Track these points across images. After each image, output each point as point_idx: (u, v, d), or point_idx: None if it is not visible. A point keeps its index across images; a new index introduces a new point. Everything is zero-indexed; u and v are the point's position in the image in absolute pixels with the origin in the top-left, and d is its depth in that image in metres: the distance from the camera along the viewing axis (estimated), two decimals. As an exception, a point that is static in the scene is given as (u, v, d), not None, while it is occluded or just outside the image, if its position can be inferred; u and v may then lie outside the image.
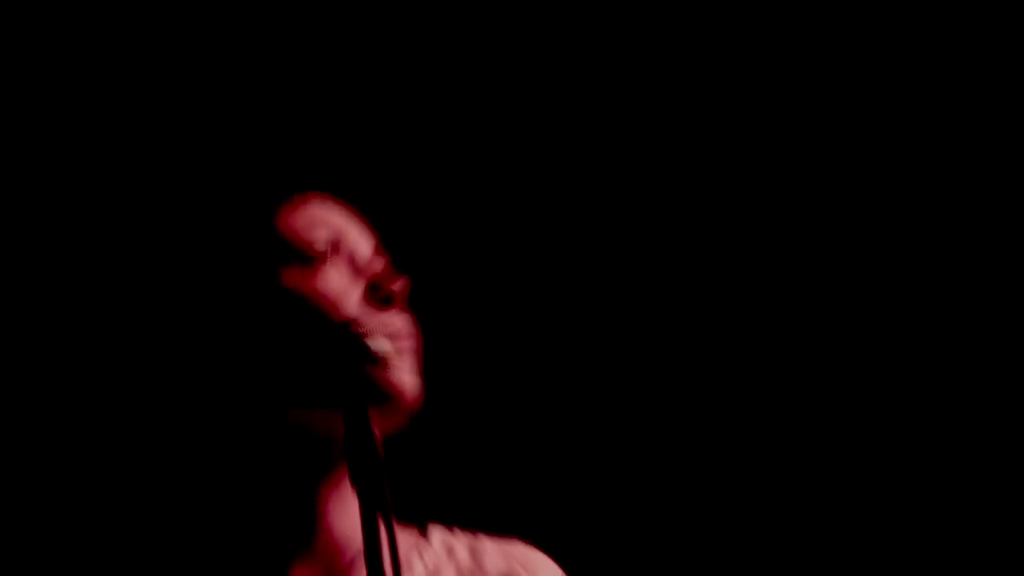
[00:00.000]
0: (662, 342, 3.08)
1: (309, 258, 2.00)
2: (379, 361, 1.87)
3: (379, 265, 2.04)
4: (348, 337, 1.87)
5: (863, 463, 3.05)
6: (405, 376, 1.96)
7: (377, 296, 1.98)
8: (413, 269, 2.04)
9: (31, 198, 2.88)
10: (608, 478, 2.89)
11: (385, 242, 2.08)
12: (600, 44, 3.14)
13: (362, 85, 3.06)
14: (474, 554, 2.11)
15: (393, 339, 1.95)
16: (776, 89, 3.13)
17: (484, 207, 3.12)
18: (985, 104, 3.11)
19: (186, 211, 2.11)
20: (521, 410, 3.02)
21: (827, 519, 3.02)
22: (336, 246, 2.02)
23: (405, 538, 2.04)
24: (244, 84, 2.97)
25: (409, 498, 1.86)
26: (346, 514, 2.03)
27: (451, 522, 2.17)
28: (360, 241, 2.05)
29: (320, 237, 2.01)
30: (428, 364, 2.02)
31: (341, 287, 1.99)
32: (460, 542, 2.13)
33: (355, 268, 2.02)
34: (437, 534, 2.14)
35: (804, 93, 3.13)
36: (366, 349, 1.86)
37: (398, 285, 1.99)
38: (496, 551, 2.12)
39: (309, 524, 2.02)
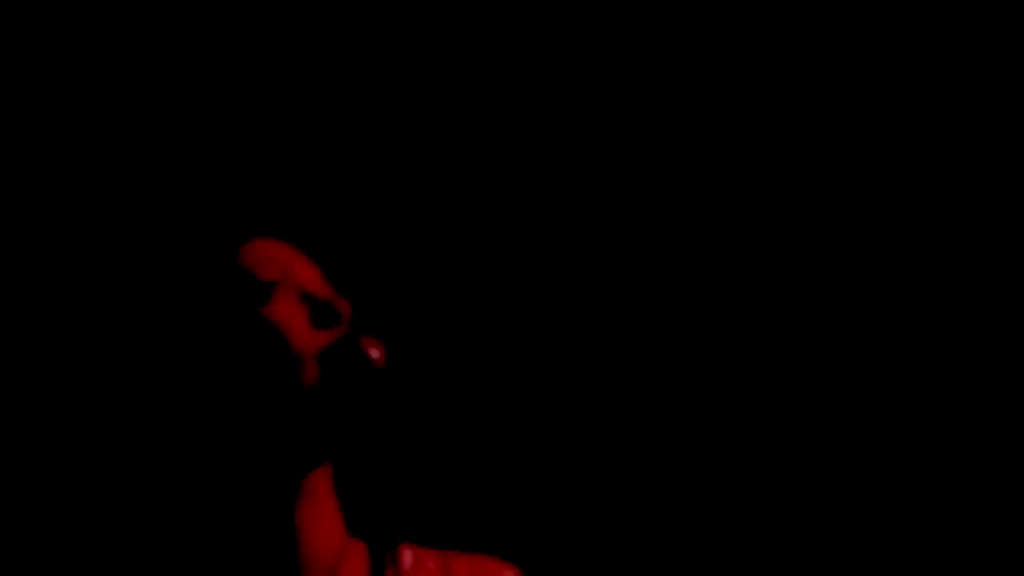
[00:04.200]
0: (634, 358, 3.10)
1: (258, 291, 2.10)
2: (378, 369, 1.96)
3: (324, 293, 2.15)
4: (347, 348, 1.97)
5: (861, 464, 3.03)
6: None
7: (321, 318, 2.10)
8: (366, 296, 2.19)
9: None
10: (579, 495, 2.88)
11: (330, 275, 2.20)
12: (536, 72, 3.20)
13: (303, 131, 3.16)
14: (446, 571, 2.16)
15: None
16: (776, 91, 3.13)
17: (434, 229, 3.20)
18: (985, 105, 3.08)
19: (151, 255, 2.23)
20: (488, 430, 3.05)
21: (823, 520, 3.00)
22: (282, 279, 2.12)
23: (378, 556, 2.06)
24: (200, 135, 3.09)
25: (380, 518, 1.91)
26: (323, 530, 2.07)
27: (422, 541, 2.20)
28: (306, 274, 2.16)
29: (265, 272, 2.12)
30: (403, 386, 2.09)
31: (288, 314, 2.09)
32: (432, 560, 2.18)
33: (303, 298, 2.13)
34: (408, 552, 2.18)
35: (805, 95, 3.12)
36: (366, 358, 1.95)
37: (340, 307, 2.11)
38: (468, 567, 2.18)
39: (286, 540, 2.05)
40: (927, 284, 3.15)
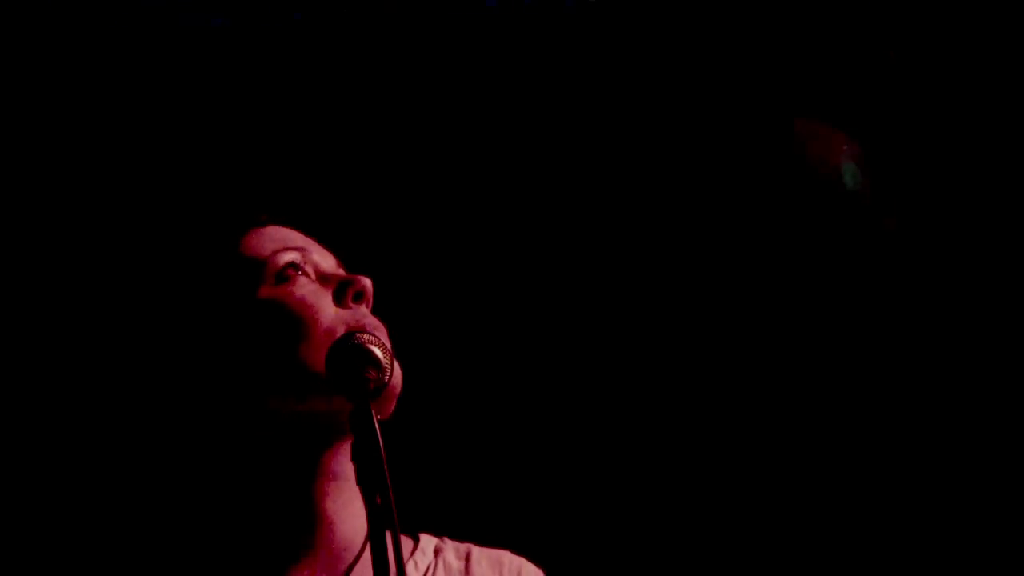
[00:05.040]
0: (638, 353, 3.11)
1: (279, 273, 2.12)
2: (381, 366, 1.94)
3: (342, 272, 2.17)
4: (352, 345, 1.95)
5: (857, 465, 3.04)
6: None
7: (347, 294, 2.11)
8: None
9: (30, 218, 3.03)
10: (598, 490, 2.88)
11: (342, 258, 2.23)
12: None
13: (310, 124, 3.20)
14: (466, 562, 2.17)
15: (368, 331, 2.04)
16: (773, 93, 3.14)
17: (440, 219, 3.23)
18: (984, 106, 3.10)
19: (168, 242, 2.25)
20: (513, 423, 3.06)
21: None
22: (301, 261, 2.14)
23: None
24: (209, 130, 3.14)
25: (401, 508, 1.86)
26: (347, 516, 2.08)
27: (442, 532, 2.22)
28: (321, 258, 2.18)
29: (285, 254, 2.14)
30: (419, 380, 2.13)
31: (313, 292, 2.10)
32: (451, 550, 2.19)
33: (323, 279, 2.14)
34: (429, 542, 2.19)
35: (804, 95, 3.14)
36: (369, 354, 1.94)
37: (364, 283, 2.12)
38: (487, 560, 2.18)
39: (310, 525, 2.07)
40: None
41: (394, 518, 1.77)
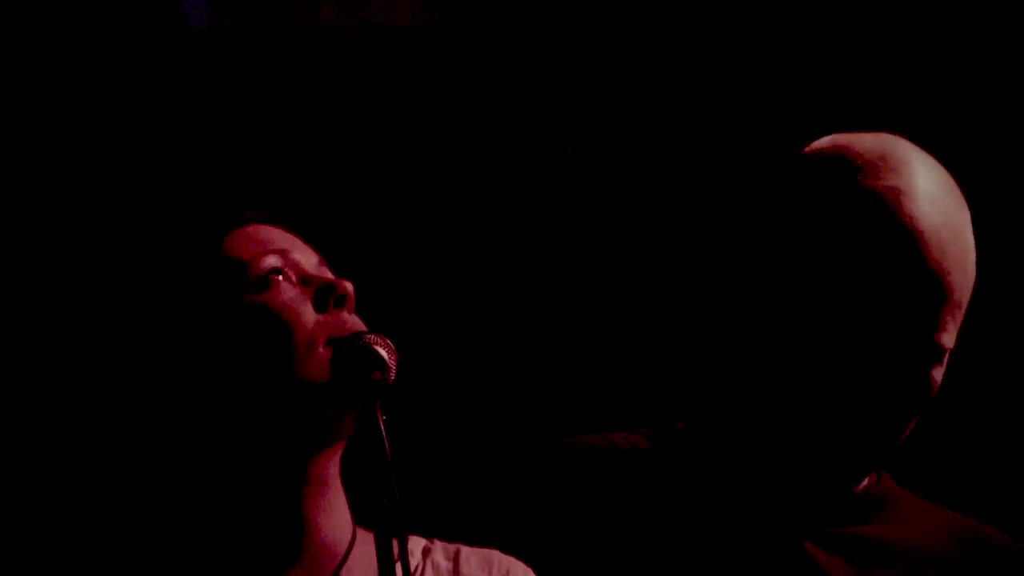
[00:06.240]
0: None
1: (261, 278, 2.09)
2: (387, 366, 1.95)
3: (325, 275, 2.14)
4: (357, 345, 1.96)
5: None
6: None
7: (327, 300, 2.08)
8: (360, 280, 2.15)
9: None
10: (588, 489, 2.88)
11: (327, 258, 2.20)
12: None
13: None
14: (455, 562, 2.17)
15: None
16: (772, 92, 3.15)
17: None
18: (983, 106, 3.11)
19: (151, 245, 2.23)
20: (498, 418, 3.08)
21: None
22: (282, 264, 2.11)
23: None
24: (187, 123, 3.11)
25: (389, 508, 1.86)
26: (333, 521, 2.09)
27: (430, 533, 2.21)
28: (304, 257, 2.15)
29: (266, 258, 2.11)
30: (406, 380, 2.09)
31: (294, 299, 2.07)
32: (440, 551, 2.19)
33: (304, 282, 2.11)
34: (417, 544, 2.19)
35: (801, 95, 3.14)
36: (375, 355, 1.95)
37: (345, 287, 2.09)
38: (476, 559, 2.18)
39: (296, 529, 2.06)
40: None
41: (400, 521, 1.78)
